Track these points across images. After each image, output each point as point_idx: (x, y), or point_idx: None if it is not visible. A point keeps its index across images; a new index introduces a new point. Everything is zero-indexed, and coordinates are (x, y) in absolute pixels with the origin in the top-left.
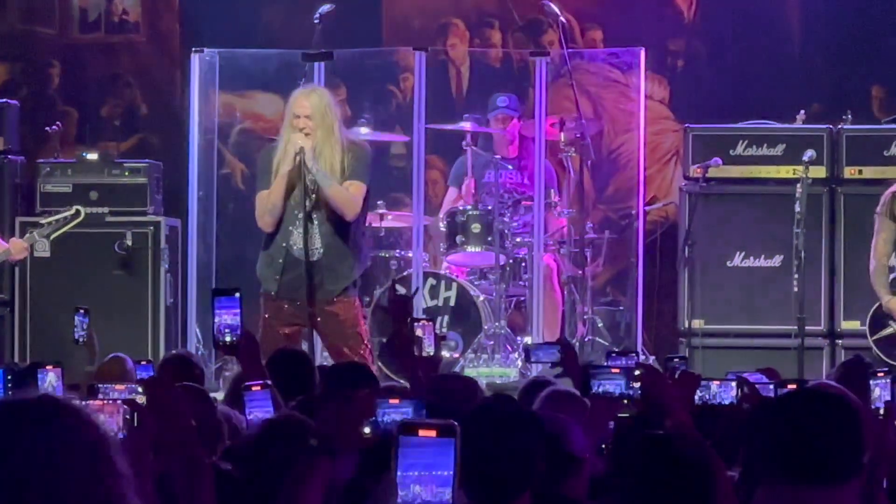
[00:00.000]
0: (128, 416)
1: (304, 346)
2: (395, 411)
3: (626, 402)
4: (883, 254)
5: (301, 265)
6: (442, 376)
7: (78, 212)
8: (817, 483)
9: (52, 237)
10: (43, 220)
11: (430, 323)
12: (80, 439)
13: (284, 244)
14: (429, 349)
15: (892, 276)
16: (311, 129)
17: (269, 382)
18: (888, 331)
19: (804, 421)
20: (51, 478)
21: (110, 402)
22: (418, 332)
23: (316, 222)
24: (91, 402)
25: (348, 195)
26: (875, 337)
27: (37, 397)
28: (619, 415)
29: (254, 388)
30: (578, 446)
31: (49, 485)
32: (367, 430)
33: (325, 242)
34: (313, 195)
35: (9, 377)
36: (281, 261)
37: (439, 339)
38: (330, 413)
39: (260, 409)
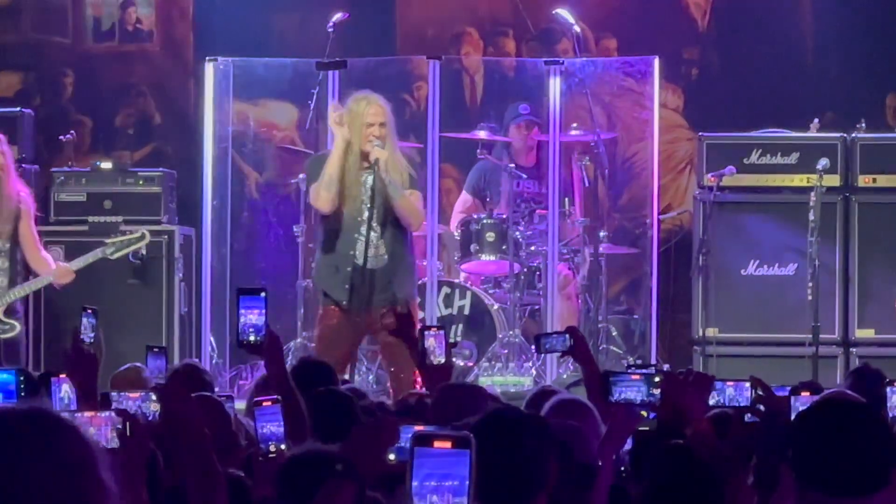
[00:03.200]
0: (119, 427)
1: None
2: None
3: (645, 413)
4: None
5: (367, 274)
6: (450, 385)
7: (143, 235)
8: (850, 494)
9: (114, 256)
10: (108, 240)
11: (441, 331)
12: (65, 453)
13: (351, 252)
14: (439, 358)
15: None
16: (384, 138)
17: (280, 398)
18: None
19: (837, 432)
20: (33, 492)
21: (101, 414)
22: (429, 341)
23: (378, 230)
24: (81, 413)
25: (416, 206)
26: None
27: (25, 409)
28: (640, 428)
29: (265, 404)
30: (591, 455)
31: (31, 499)
32: (391, 456)
33: (391, 250)
34: (370, 203)
35: (21, 379)
36: (349, 269)
37: (450, 347)
38: (356, 440)
39: (272, 424)
